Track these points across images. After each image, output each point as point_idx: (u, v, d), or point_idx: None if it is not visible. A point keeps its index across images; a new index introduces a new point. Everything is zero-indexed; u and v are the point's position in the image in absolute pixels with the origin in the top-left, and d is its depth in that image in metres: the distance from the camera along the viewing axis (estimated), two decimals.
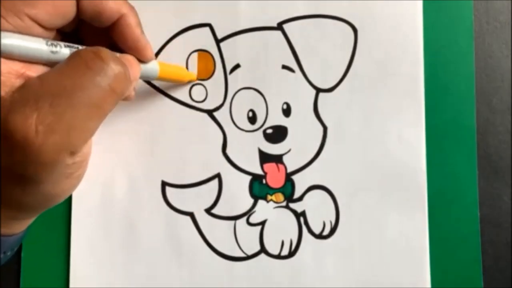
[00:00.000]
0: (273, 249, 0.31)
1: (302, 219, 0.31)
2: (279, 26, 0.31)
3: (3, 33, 0.22)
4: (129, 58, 0.26)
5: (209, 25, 0.31)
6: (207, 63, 0.31)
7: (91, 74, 0.22)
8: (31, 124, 0.21)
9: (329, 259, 0.31)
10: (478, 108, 0.31)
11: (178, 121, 0.31)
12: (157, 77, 0.28)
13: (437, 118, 0.31)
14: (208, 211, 0.31)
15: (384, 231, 0.31)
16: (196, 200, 0.31)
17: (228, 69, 0.31)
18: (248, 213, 0.31)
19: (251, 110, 0.31)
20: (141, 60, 0.27)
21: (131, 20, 0.26)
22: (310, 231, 0.31)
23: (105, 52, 0.23)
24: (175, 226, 0.31)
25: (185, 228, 0.31)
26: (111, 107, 0.24)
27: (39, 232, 0.30)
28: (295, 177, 0.31)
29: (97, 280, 0.31)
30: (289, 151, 0.31)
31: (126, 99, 0.27)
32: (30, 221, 0.27)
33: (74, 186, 0.26)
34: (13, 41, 0.22)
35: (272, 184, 0.31)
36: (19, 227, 0.26)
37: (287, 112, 0.31)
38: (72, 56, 0.23)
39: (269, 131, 0.31)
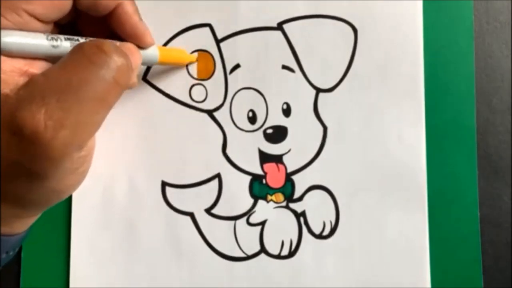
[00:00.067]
0: (273, 249, 0.31)
1: (302, 219, 0.31)
2: (279, 26, 0.31)
3: (3, 32, 0.22)
4: (129, 47, 0.26)
5: (209, 25, 0.31)
6: (207, 63, 0.31)
7: (95, 68, 0.22)
8: (39, 120, 0.21)
9: (329, 259, 0.31)
10: (478, 108, 0.31)
11: (178, 121, 0.31)
12: (158, 62, 0.28)
13: (437, 118, 0.31)
14: (208, 211, 0.31)
15: (384, 231, 0.31)
16: (196, 200, 0.31)
17: (228, 69, 0.31)
18: (248, 213, 0.31)
19: (251, 110, 0.31)
20: (141, 47, 0.27)
21: (128, 7, 0.26)
22: (310, 231, 0.31)
23: (107, 44, 0.23)
24: (175, 226, 0.31)
25: (185, 228, 0.31)
26: (115, 99, 0.24)
27: (39, 232, 0.30)
28: (295, 177, 0.31)
29: (97, 280, 0.31)
30: (289, 151, 0.31)
31: (129, 87, 0.27)
32: (32, 220, 0.27)
33: (79, 182, 0.26)
34: (14, 38, 0.22)
35: (272, 184, 0.31)
36: (21, 226, 0.26)
37: (287, 112, 0.31)
38: (74, 50, 0.23)
39: (269, 131, 0.31)
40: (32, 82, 0.22)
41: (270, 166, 0.31)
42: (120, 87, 0.24)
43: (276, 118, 0.31)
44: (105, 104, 0.23)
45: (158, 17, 0.31)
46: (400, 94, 0.31)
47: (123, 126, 0.31)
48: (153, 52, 0.28)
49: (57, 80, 0.22)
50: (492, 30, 0.32)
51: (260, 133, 0.31)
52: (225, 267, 0.31)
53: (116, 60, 0.23)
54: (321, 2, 0.31)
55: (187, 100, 0.31)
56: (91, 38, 0.25)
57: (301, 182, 0.31)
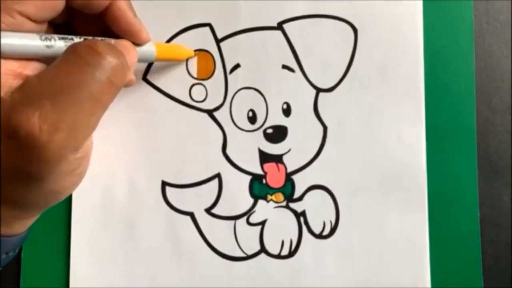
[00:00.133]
0: (273, 249, 0.31)
1: (302, 219, 0.31)
2: (279, 26, 0.31)
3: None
4: (125, 44, 0.26)
5: (209, 25, 0.31)
6: (207, 63, 0.31)
7: (90, 70, 0.22)
8: (34, 123, 0.21)
9: (329, 259, 0.31)
10: (478, 108, 0.31)
11: (178, 121, 0.31)
12: (155, 58, 0.28)
13: (437, 118, 0.31)
14: (208, 211, 0.31)
15: (384, 231, 0.31)
16: (196, 200, 0.31)
17: (228, 69, 0.31)
18: (248, 213, 0.31)
19: (251, 110, 0.31)
20: (137, 43, 0.27)
21: (122, 4, 0.26)
22: (310, 231, 0.31)
23: (101, 45, 0.23)
24: (175, 226, 0.31)
25: (185, 228, 0.31)
26: (111, 100, 0.24)
27: (39, 232, 0.30)
28: (295, 177, 0.31)
29: (97, 280, 0.31)
30: (289, 151, 0.31)
31: (127, 85, 0.26)
32: (31, 221, 0.27)
33: (76, 183, 0.26)
34: (7, 40, 0.22)
35: (272, 184, 0.31)
36: (21, 227, 0.26)
37: (287, 112, 0.31)
38: (68, 52, 0.23)
39: (269, 131, 0.31)
40: (26, 84, 0.22)
41: (270, 166, 0.31)
42: (115, 88, 0.23)
43: (276, 118, 0.31)
44: (100, 105, 0.23)
45: (158, 17, 0.31)
46: (400, 94, 0.31)
47: (123, 126, 0.31)
48: (150, 49, 0.28)
49: (52, 82, 0.22)
50: (492, 30, 0.32)
51: (260, 133, 0.31)
52: (225, 267, 0.31)
53: (111, 61, 0.23)
54: (321, 2, 0.31)
55: (187, 100, 0.31)
56: (86, 37, 0.25)
57: (301, 182, 0.31)
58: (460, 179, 0.31)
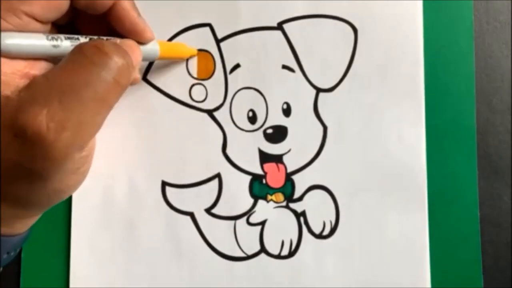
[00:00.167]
0: (273, 249, 0.31)
1: (302, 219, 0.31)
2: (279, 26, 0.31)
3: (4, 34, 0.22)
4: (129, 43, 0.26)
5: (209, 25, 0.31)
6: (207, 63, 0.31)
7: (96, 70, 0.22)
8: (41, 121, 0.21)
9: (329, 259, 0.31)
10: (478, 108, 0.31)
11: (178, 121, 0.31)
12: (159, 57, 0.28)
13: (437, 118, 0.31)
14: (208, 211, 0.31)
15: (384, 231, 0.31)
16: (196, 200, 0.31)
17: (228, 69, 0.31)
18: (248, 213, 0.31)
19: (251, 110, 0.31)
20: (141, 42, 0.27)
21: (126, 4, 0.26)
22: (310, 231, 0.31)
23: (107, 45, 0.23)
24: (175, 226, 0.31)
25: (185, 228, 0.31)
26: (116, 99, 0.24)
27: (39, 232, 0.30)
28: (295, 177, 0.31)
29: (97, 280, 0.31)
30: (289, 151, 0.31)
31: (132, 83, 0.26)
32: (33, 220, 0.27)
33: (80, 182, 0.26)
34: (15, 40, 0.22)
35: (272, 184, 0.31)
36: (22, 227, 0.26)
37: (287, 112, 0.31)
38: (75, 52, 0.23)
39: (269, 131, 0.31)
40: (33, 84, 0.22)
41: (270, 166, 0.31)
42: (120, 87, 0.24)
43: (276, 118, 0.31)
44: (106, 104, 0.23)
45: (158, 17, 0.31)
46: (400, 94, 0.31)
47: (123, 126, 0.31)
48: (154, 47, 0.28)
49: (58, 81, 0.22)
50: (492, 30, 0.32)
51: (260, 133, 0.31)
52: (225, 267, 0.31)
53: (117, 61, 0.23)
54: (321, 2, 0.31)
55: (187, 100, 0.31)
56: (91, 37, 0.25)
57: (301, 182, 0.31)
58: (460, 179, 0.31)
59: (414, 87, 0.31)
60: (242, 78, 0.31)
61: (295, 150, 0.31)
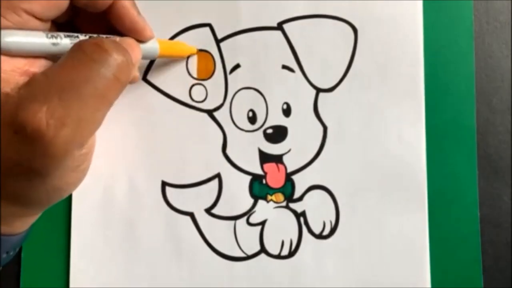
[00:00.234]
0: (273, 249, 0.31)
1: (302, 219, 0.31)
2: (279, 26, 0.31)
3: (3, 32, 0.22)
4: (129, 42, 0.26)
5: (209, 25, 0.31)
6: (207, 63, 0.31)
7: (96, 66, 0.22)
8: (41, 118, 0.21)
9: (329, 259, 0.31)
10: (478, 108, 0.31)
11: (178, 121, 0.31)
12: (158, 55, 0.28)
13: (437, 118, 0.31)
14: (208, 211, 0.31)
15: (384, 231, 0.31)
16: (196, 200, 0.31)
17: (228, 69, 0.31)
18: (248, 213, 0.31)
19: (251, 110, 0.31)
20: (141, 40, 0.27)
21: (125, 2, 0.26)
22: (310, 231, 0.31)
23: (107, 42, 0.23)
24: (175, 226, 0.31)
25: (185, 228, 0.31)
26: (116, 96, 0.24)
27: (39, 232, 0.30)
28: (295, 177, 0.31)
29: (97, 280, 0.31)
30: (289, 151, 0.31)
31: (131, 81, 0.27)
32: (33, 219, 0.27)
33: (80, 180, 0.26)
34: (14, 38, 0.22)
35: (272, 184, 0.31)
36: (22, 226, 0.26)
37: (287, 112, 0.31)
38: (74, 49, 0.23)
39: (269, 131, 0.31)
40: (33, 81, 0.22)
41: (270, 166, 0.31)
42: (120, 84, 0.24)
43: (276, 118, 0.31)
44: (106, 101, 0.23)
45: (158, 17, 0.31)
46: (400, 94, 0.31)
47: (123, 126, 0.31)
48: (153, 46, 0.28)
49: (58, 78, 0.22)
50: (492, 30, 0.32)
51: (260, 133, 0.31)
52: (225, 267, 0.31)
53: (116, 58, 0.23)
54: (321, 2, 0.31)
55: (187, 100, 0.31)
56: (91, 35, 0.25)
57: (301, 182, 0.31)
58: (460, 179, 0.31)
59: (414, 87, 0.31)
60: (242, 78, 0.31)
61: (295, 150, 0.31)
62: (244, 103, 0.31)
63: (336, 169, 0.31)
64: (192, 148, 0.31)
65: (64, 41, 0.24)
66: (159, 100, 0.31)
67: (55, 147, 0.22)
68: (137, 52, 0.26)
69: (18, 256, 0.30)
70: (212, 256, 0.31)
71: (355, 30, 0.31)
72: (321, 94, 0.31)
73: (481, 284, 0.30)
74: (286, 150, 0.31)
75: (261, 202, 0.31)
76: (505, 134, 0.32)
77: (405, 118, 0.31)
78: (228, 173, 0.31)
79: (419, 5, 0.31)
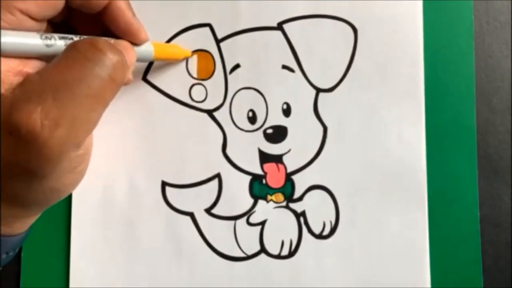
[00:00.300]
0: (273, 249, 0.31)
1: (302, 219, 0.31)
2: (279, 26, 0.31)
3: None
4: (124, 44, 0.26)
5: (209, 25, 0.31)
6: (207, 63, 0.31)
7: (90, 65, 0.22)
8: (36, 119, 0.21)
9: (329, 259, 0.31)
10: (478, 108, 0.31)
11: (178, 121, 0.31)
12: (153, 58, 0.28)
13: (437, 118, 0.31)
14: (208, 211, 0.31)
15: (384, 231, 0.31)
16: (196, 200, 0.31)
17: (228, 69, 0.31)
18: (248, 213, 0.31)
19: (251, 110, 0.31)
20: (136, 43, 0.27)
21: (121, 3, 0.26)
22: (310, 231, 0.31)
23: (101, 42, 0.23)
24: (175, 226, 0.31)
25: (185, 228, 0.31)
26: (112, 97, 0.24)
27: (39, 232, 0.30)
28: (295, 177, 0.31)
29: (97, 280, 0.31)
30: (289, 151, 0.31)
31: (125, 84, 0.26)
32: (32, 220, 0.27)
33: (77, 181, 0.26)
34: (8, 38, 0.22)
35: (272, 184, 0.31)
36: (21, 226, 0.26)
37: (287, 112, 0.31)
38: (69, 48, 0.23)
39: (269, 131, 0.31)
40: (27, 81, 0.22)
41: (270, 166, 0.31)
42: (115, 84, 0.24)
43: (276, 118, 0.31)
44: (101, 101, 0.23)
45: (158, 17, 0.31)
46: (400, 94, 0.31)
47: (123, 126, 0.31)
48: (148, 49, 0.28)
49: (52, 78, 0.22)
50: (492, 30, 0.32)
51: (260, 133, 0.31)
52: (225, 267, 0.31)
53: (111, 57, 0.23)
54: (321, 2, 0.31)
55: (187, 100, 0.31)
56: (85, 36, 0.25)
57: (301, 182, 0.31)
58: (460, 179, 0.31)
59: (414, 87, 0.31)
60: (242, 78, 0.31)
61: (295, 150, 0.31)
62: (244, 103, 0.31)
63: (336, 169, 0.31)
64: (192, 148, 0.31)
65: (59, 43, 0.23)
66: (159, 100, 0.31)
67: (50, 148, 0.22)
68: (132, 54, 0.26)
69: (18, 256, 0.30)
70: (212, 256, 0.31)
71: (355, 30, 0.31)
72: (321, 94, 0.31)
73: (481, 284, 0.30)
74: (286, 150, 0.31)
75: (261, 202, 0.31)
76: (505, 134, 0.32)
77: (405, 118, 0.31)
78: (228, 173, 0.31)
79: (419, 5, 0.31)
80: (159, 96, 0.31)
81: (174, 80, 0.31)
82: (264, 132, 0.31)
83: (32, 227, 0.28)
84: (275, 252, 0.31)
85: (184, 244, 0.31)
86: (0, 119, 0.22)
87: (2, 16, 0.22)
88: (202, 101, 0.31)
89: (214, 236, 0.31)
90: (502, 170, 0.31)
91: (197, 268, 0.31)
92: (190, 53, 0.31)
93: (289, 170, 0.31)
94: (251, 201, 0.31)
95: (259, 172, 0.31)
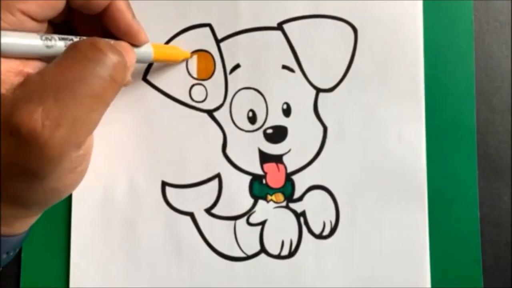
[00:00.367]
0: (273, 249, 0.31)
1: (302, 219, 0.31)
2: (279, 26, 0.31)
3: None
4: (123, 45, 0.26)
5: (209, 25, 0.31)
6: (207, 63, 0.31)
7: (91, 65, 0.22)
8: (37, 119, 0.21)
9: (329, 259, 0.31)
10: (478, 108, 0.31)
11: (178, 121, 0.31)
12: (152, 59, 0.28)
13: (437, 118, 0.31)
14: (208, 211, 0.31)
15: (384, 231, 0.31)
16: (196, 200, 0.31)
17: (228, 69, 0.31)
18: (248, 213, 0.31)
19: (251, 110, 0.31)
20: (135, 44, 0.27)
21: (121, 5, 0.26)
22: (310, 231, 0.31)
23: (102, 42, 0.23)
24: (175, 226, 0.31)
25: (185, 228, 0.31)
26: (112, 97, 0.24)
27: (39, 232, 0.30)
28: (295, 177, 0.31)
29: (97, 280, 0.31)
30: (289, 151, 0.31)
31: (124, 85, 0.26)
32: (32, 220, 0.27)
33: (78, 182, 0.26)
34: (8, 39, 0.22)
35: (272, 184, 0.31)
36: (22, 227, 0.26)
37: (287, 112, 0.31)
38: (69, 48, 0.23)
39: (269, 131, 0.31)
40: (28, 81, 0.22)
41: (270, 166, 0.31)
42: (116, 85, 0.24)
43: (276, 118, 0.31)
44: (102, 101, 0.23)
45: (158, 17, 0.31)
46: (400, 94, 0.31)
47: (123, 126, 0.31)
48: (147, 50, 0.28)
49: (53, 78, 0.22)
50: (492, 30, 0.32)
51: (260, 133, 0.31)
52: (225, 267, 0.31)
53: (112, 58, 0.23)
54: (321, 2, 0.31)
55: (187, 100, 0.31)
56: (85, 38, 0.25)
57: (301, 182, 0.31)
58: (460, 179, 0.31)
59: (414, 87, 0.31)
60: (242, 78, 0.31)
61: (295, 150, 0.31)
62: (244, 103, 0.31)
63: (336, 169, 0.31)
64: (192, 148, 0.31)
65: (59, 44, 0.23)
66: (159, 100, 0.31)
67: (51, 148, 0.22)
68: (132, 55, 0.26)
69: (18, 256, 0.30)
70: (212, 256, 0.31)
71: (355, 30, 0.31)
72: (321, 94, 0.31)
73: (481, 284, 0.30)
74: (286, 150, 0.31)
75: (261, 202, 0.31)
76: (505, 134, 0.32)
77: (405, 118, 0.31)
78: (228, 173, 0.31)
79: (419, 5, 0.31)
80: (159, 96, 0.31)
81: (174, 80, 0.31)
82: (264, 132, 0.31)
83: (32, 227, 0.28)
84: (275, 252, 0.31)
85: (184, 244, 0.31)
86: (0, 119, 0.22)
87: (3, 17, 0.22)
88: (202, 101, 0.31)
89: (214, 236, 0.31)
90: (502, 170, 0.31)
91: (197, 268, 0.31)
92: (189, 55, 0.31)
93: (289, 170, 0.31)
94: (251, 201, 0.31)
95: (259, 172, 0.31)
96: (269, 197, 0.31)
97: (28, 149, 0.21)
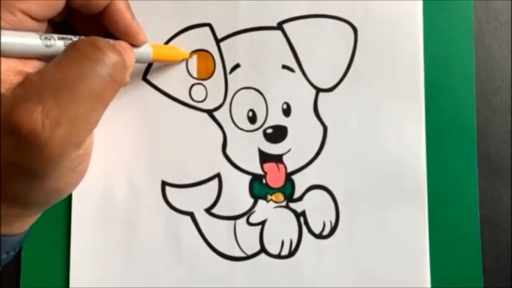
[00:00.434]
0: (273, 249, 0.31)
1: (302, 219, 0.31)
2: (279, 26, 0.31)
3: None
4: (123, 45, 0.26)
5: (209, 25, 0.31)
6: (207, 63, 0.31)
7: (90, 64, 0.22)
8: (37, 119, 0.21)
9: (329, 259, 0.31)
10: (478, 108, 0.31)
11: (178, 121, 0.31)
12: (151, 59, 0.28)
13: (437, 118, 0.31)
14: (208, 211, 0.31)
15: (384, 231, 0.31)
16: (196, 200, 0.31)
17: (228, 69, 0.31)
18: (248, 213, 0.31)
19: (251, 110, 0.31)
20: (134, 45, 0.27)
21: (120, 5, 0.26)
22: (310, 231, 0.31)
23: (101, 41, 0.23)
24: (175, 226, 0.31)
25: (185, 227, 0.31)
26: (112, 96, 0.24)
27: (39, 232, 0.30)
28: (295, 177, 0.31)
29: (97, 280, 0.31)
30: (289, 151, 0.31)
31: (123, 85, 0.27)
32: (32, 220, 0.27)
33: (78, 181, 0.26)
34: (8, 38, 0.22)
35: (272, 184, 0.31)
36: (22, 226, 0.26)
37: (287, 112, 0.31)
38: (69, 48, 0.23)
39: (269, 131, 0.31)
40: (27, 81, 0.22)
41: (270, 166, 0.31)
42: (116, 84, 0.24)
43: (276, 118, 0.31)
44: (102, 100, 0.23)
45: (158, 17, 0.31)
46: (400, 94, 0.31)
47: (123, 126, 0.31)
48: (147, 50, 0.28)
49: (53, 77, 0.22)
50: (492, 30, 0.32)
51: (260, 133, 0.31)
52: (225, 267, 0.31)
53: (111, 57, 0.23)
54: (321, 1, 0.31)
55: (187, 100, 0.31)
56: (85, 37, 0.25)
57: (301, 182, 0.31)
58: (460, 179, 0.31)
59: (414, 87, 0.31)
60: (242, 78, 0.31)
61: (295, 150, 0.31)
62: (244, 103, 0.31)
63: (336, 169, 0.31)
64: (192, 148, 0.31)
65: (58, 43, 0.23)
66: (159, 100, 0.31)
67: (51, 148, 0.22)
68: (131, 55, 0.26)
69: (18, 256, 0.30)
70: (212, 256, 0.31)
71: (355, 30, 0.31)
72: (321, 94, 0.31)
73: (481, 284, 0.30)
74: (286, 150, 0.31)
75: (261, 202, 0.31)
76: (505, 134, 0.32)
77: (405, 118, 0.31)
78: (228, 173, 0.31)
79: (419, 5, 0.31)
80: (159, 96, 0.31)
81: (174, 80, 0.31)
82: (264, 132, 0.31)
83: (32, 227, 0.28)
84: (275, 252, 0.31)
85: (184, 244, 0.31)
86: (0, 119, 0.22)
87: (3, 16, 0.22)
88: (202, 101, 0.31)
89: (214, 236, 0.31)
90: (502, 170, 0.31)
91: (197, 268, 0.31)
92: (188, 55, 0.31)
93: (289, 170, 0.31)
94: (251, 201, 0.31)
95: (259, 172, 0.31)
96: (269, 197, 0.31)
97: (28, 148, 0.21)
